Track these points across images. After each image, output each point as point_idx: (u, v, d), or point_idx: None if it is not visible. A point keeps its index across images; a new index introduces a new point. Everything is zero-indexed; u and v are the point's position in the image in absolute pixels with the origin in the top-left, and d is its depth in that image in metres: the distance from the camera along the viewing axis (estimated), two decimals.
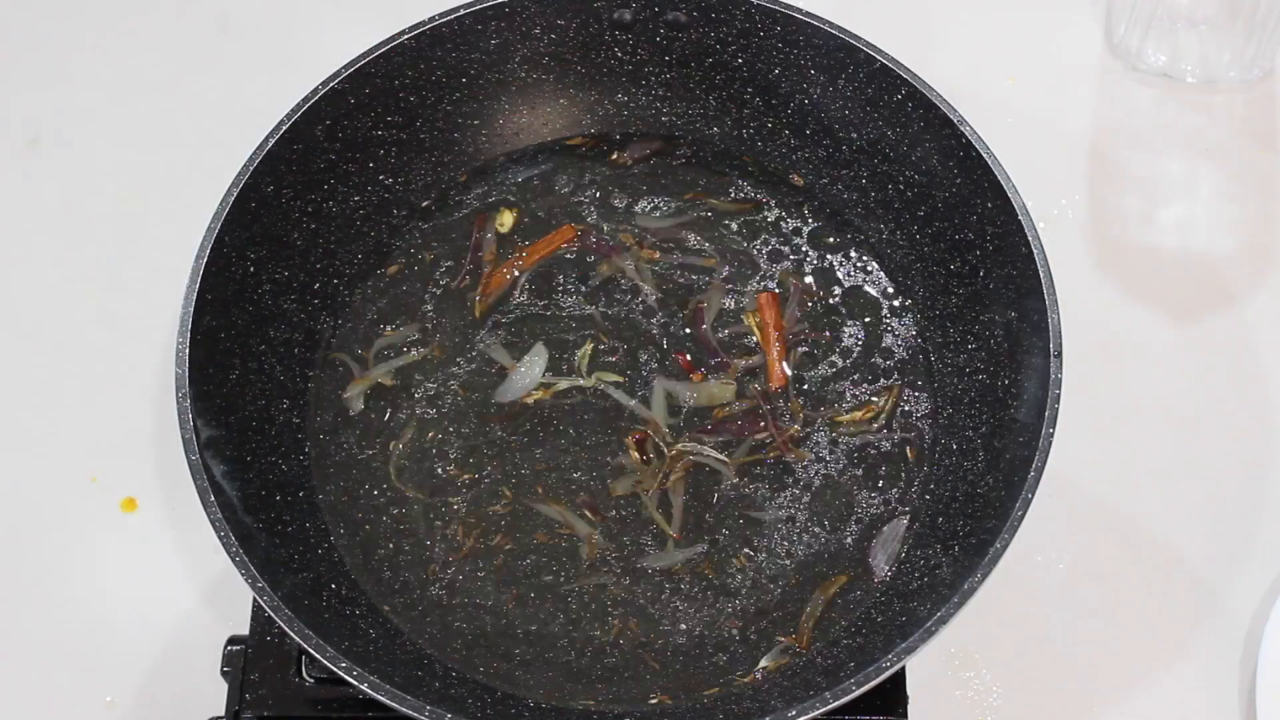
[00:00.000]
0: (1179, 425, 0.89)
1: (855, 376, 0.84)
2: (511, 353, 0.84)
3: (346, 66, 0.83)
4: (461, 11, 0.85)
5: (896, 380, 0.83)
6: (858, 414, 0.83)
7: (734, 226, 0.88)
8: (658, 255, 0.87)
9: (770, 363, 0.84)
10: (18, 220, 0.97)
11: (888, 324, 0.86)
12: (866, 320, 0.86)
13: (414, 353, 0.85)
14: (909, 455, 0.82)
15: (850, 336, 0.85)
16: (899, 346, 0.85)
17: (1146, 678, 0.82)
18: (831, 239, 0.88)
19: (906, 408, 0.83)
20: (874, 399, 0.83)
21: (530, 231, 0.88)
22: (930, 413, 0.83)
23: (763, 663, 0.76)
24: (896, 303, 0.86)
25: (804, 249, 0.88)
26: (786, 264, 0.87)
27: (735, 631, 0.77)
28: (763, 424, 0.82)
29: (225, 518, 0.70)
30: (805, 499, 0.80)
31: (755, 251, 0.88)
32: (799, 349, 0.85)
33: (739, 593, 0.78)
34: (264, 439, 0.79)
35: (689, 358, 0.84)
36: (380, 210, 0.88)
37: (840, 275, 0.87)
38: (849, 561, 0.79)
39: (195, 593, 0.85)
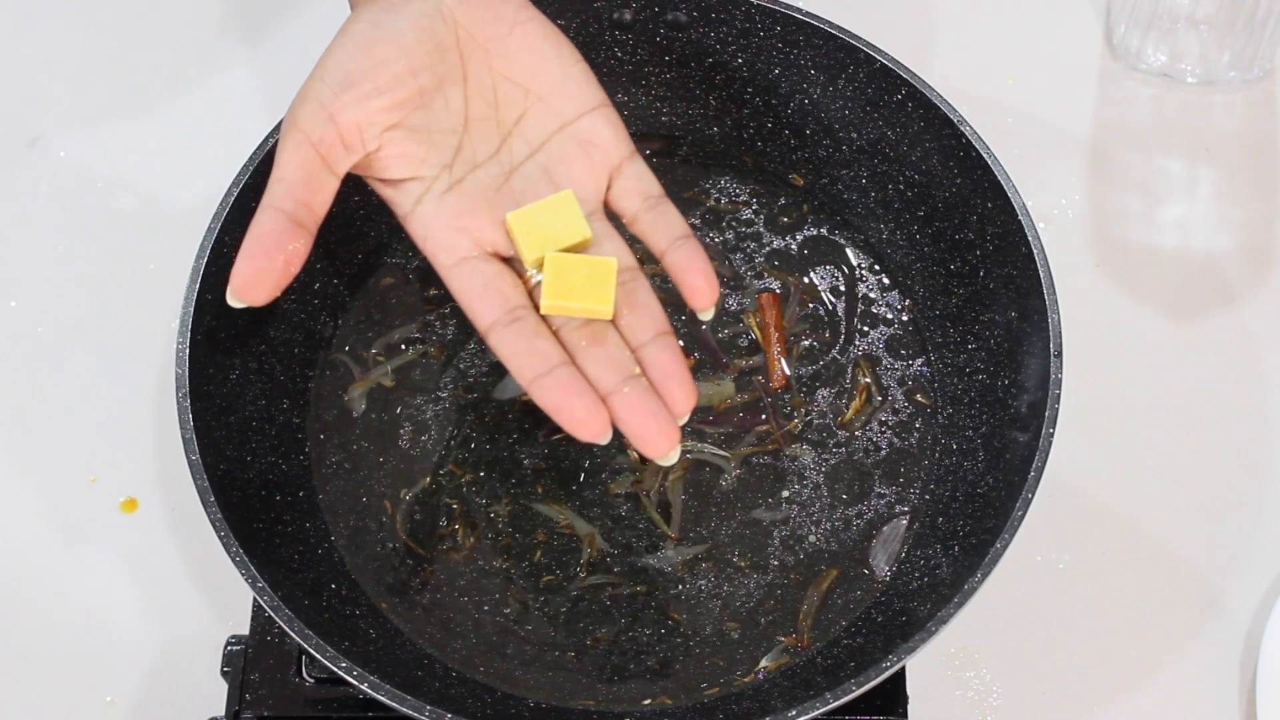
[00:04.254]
0: (1179, 425, 0.89)
1: (854, 374, 0.84)
2: None
3: None
4: None
5: (861, 353, 0.84)
6: (857, 403, 0.83)
7: (734, 226, 0.88)
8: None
9: (771, 362, 0.84)
10: (18, 220, 0.97)
11: (887, 324, 0.86)
12: (866, 320, 0.86)
13: (412, 351, 0.85)
14: (921, 401, 0.82)
15: (850, 336, 0.85)
16: (899, 347, 0.85)
17: (1146, 678, 0.82)
18: (831, 239, 0.88)
19: (875, 354, 0.83)
20: (865, 378, 0.83)
21: None
22: (931, 407, 0.83)
23: (763, 663, 0.76)
24: (896, 303, 0.86)
25: (804, 249, 0.88)
26: (786, 264, 0.87)
27: (735, 631, 0.77)
28: (764, 417, 0.82)
29: (225, 518, 0.70)
30: (805, 498, 0.80)
31: (755, 251, 0.88)
32: (799, 348, 0.85)
33: (738, 592, 0.78)
34: (264, 439, 0.79)
35: (682, 343, 0.84)
36: (380, 210, 0.87)
37: (840, 276, 0.87)
38: (848, 560, 0.79)
39: (195, 593, 0.85)
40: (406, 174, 0.67)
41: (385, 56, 0.66)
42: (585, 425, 0.63)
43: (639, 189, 0.68)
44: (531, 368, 0.63)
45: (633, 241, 0.69)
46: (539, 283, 0.66)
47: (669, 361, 0.64)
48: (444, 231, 0.67)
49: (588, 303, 0.64)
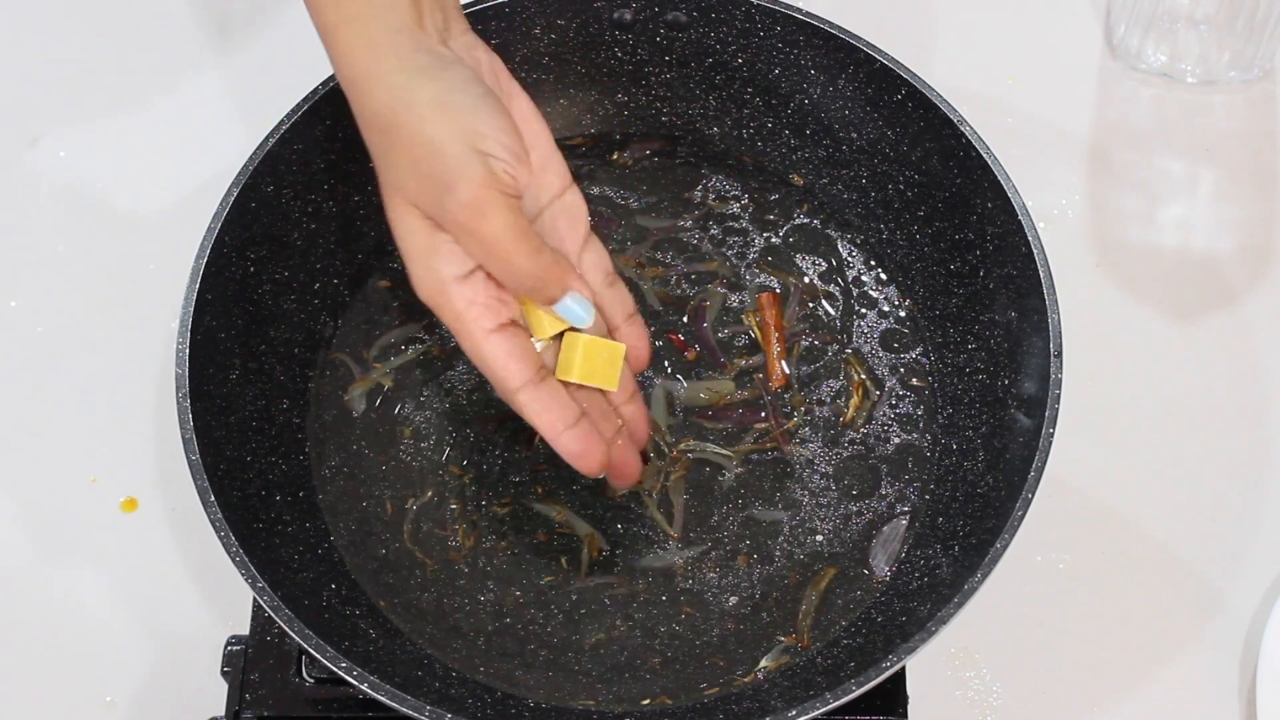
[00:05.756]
0: (1179, 425, 0.89)
1: (848, 371, 0.84)
2: None
3: None
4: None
5: (852, 350, 0.84)
6: (856, 400, 0.83)
7: (734, 226, 0.88)
8: (658, 257, 0.87)
9: (770, 362, 0.84)
10: (18, 220, 0.97)
11: (887, 324, 0.86)
12: (866, 320, 0.86)
13: (412, 351, 0.85)
14: (917, 385, 0.82)
15: (850, 336, 0.85)
16: (898, 346, 0.85)
17: (1146, 678, 0.82)
18: (831, 239, 0.88)
19: (871, 349, 0.83)
20: (859, 375, 0.84)
21: None
22: (929, 390, 0.83)
23: (763, 663, 0.76)
24: (896, 303, 0.86)
25: (804, 249, 0.88)
26: (785, 262, 0.87)
27: (735, 631, 0.77)
28: (763, 414, 0.82)
29: (225, 518, 0.70)
30: (806, 496, 0.80)
31: (755, 251, 0.88)
32: (800, 348, 0.85)
33: (739, 592, 0.78)
34: (264, 439, 0.79)
35: (681, 337, 0.84)
36: (380, 210, 0.87)
37: (840, 275, 0.87)
38: (848, 560, 0.79)
39: (195, 593, 0.85)
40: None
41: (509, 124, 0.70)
42: (599, 464, 0.73)
43: (601, 265, 0.75)
44: (563, 421, 0.71)
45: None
46: (541, 349, 0.73)
47: (639, 415, 0.76)
48: (487, 302, 0.70)
49: (596, 380, 0.73)
